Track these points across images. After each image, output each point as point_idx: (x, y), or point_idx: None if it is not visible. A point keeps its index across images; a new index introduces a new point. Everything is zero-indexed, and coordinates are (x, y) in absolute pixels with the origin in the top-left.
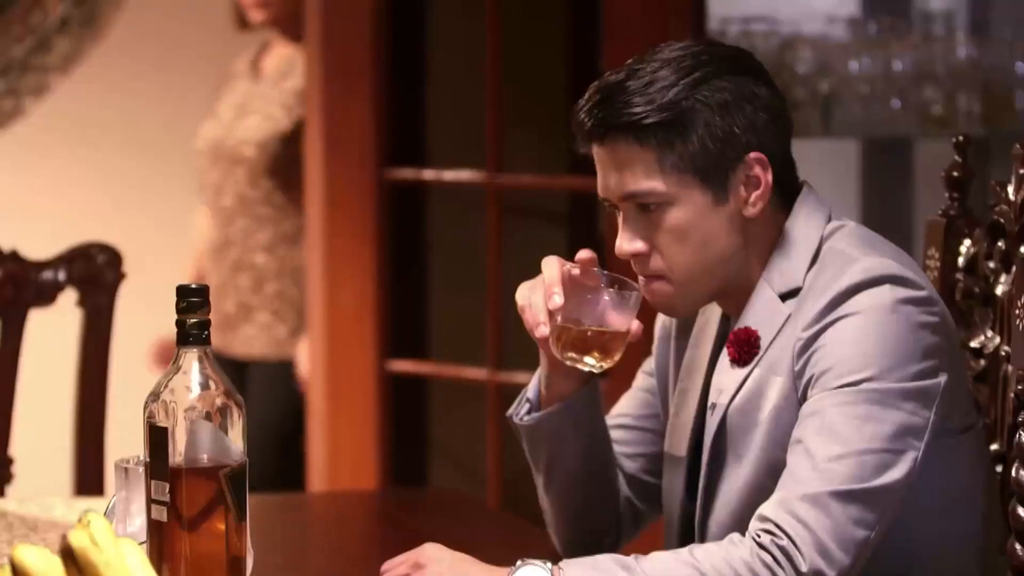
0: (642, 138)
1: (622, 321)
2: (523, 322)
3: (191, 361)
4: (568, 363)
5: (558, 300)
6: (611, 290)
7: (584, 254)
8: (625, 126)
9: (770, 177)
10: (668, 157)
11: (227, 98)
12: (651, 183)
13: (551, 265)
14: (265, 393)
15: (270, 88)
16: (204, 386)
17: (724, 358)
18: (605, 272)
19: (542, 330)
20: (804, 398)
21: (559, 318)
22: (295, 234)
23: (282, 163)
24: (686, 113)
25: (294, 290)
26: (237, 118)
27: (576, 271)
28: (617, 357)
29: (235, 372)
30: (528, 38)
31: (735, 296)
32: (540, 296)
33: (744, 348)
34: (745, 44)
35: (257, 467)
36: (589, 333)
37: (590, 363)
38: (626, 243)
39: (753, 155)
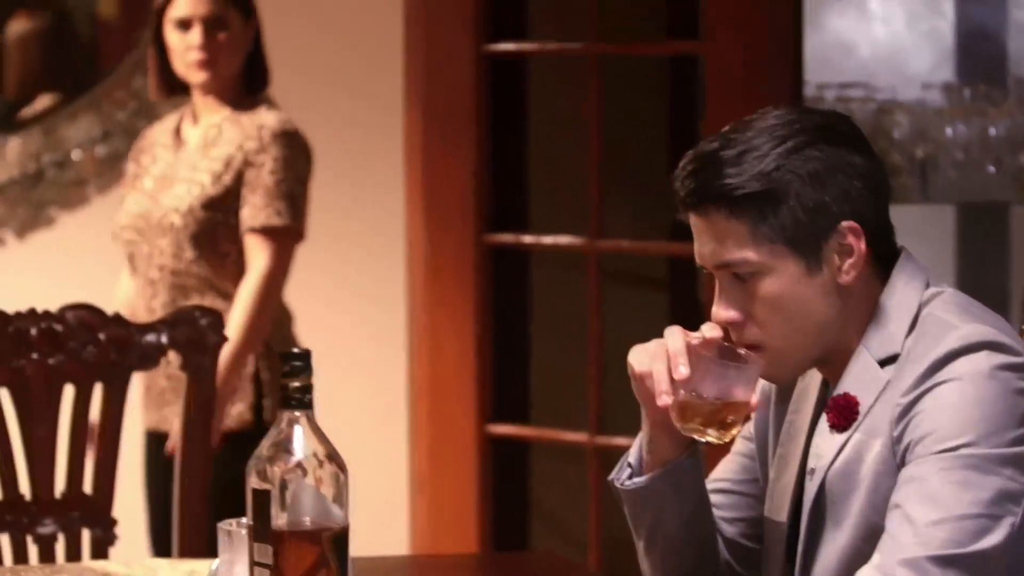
0: (735, 209)
1: (744, 394)
2: (637, 387)
3: (293, 424)
4: (688, 434)
5: (684, 371)
6: (734, 363)
7: (710, 332)
8: (718, 197)
9: (864, 245)
10: (760, 228)
11: (151, 170)
12: (744, 253)
13: (676, 336)
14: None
15: (197, 156)
16: (306, 449)
17: (823, 423)
18: (725, 342)
19: (665, 399)
20: (903, 463)
21: (682, 390)
22: (223, 304)
23: (209, 231)
24: (778, 184)
25: None
26: (163, 188)
27: (697, 341)
28: (737, 430)
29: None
30: (629, 103)
31: (834, 362)
32: (663, 365)
33: (843, 414)
34: (842, 110)
35: None
36: (713, 407)
37: (712, 436)
38: (722, 311)
39: (846, 224)
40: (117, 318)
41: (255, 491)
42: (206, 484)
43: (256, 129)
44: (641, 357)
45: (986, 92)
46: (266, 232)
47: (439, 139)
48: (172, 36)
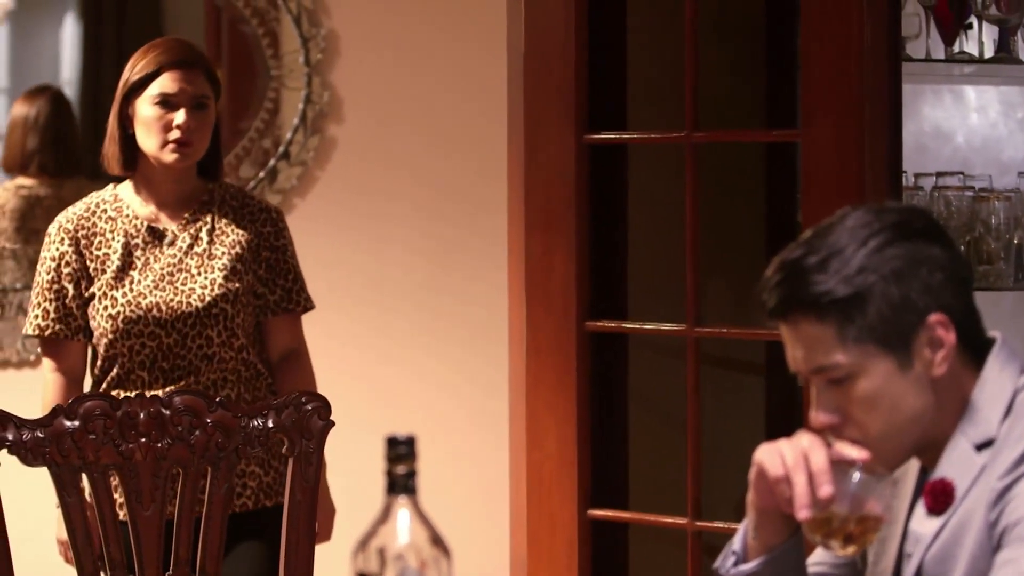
0: (822, 315)
1: (879, 506)
2: (760, 485)
3: (398, 510)
4: (823, 547)
5: (828, 491)
6: (868, 475)
7: (856, 453)
8: (806, 305)
9: (953, 336)
10: (849, 331)
11: (131, 262)
12: (835, 357)
13: (819, 451)
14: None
15: (211, 243)
16: (411, 534)
17: (920, 508)
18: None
19: (806, 513)
20: (999, 547)
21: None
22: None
23: (244, 315)
24: (862, 287)
25: None
26: (179, 280)
27: (833, 454)
28: (871, 540)
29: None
30: (726, 189)
31: (931, 449)
32: (804, 477)
33: (940, 498)
34: (938, 198)
35: None
36: (852, 525)
37: (850, 550)
38: (821, 416)
39: (934, 317)
40: (223, 403)
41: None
42: (311, 569)
43: (262, 212)
44: (775, 460)
45: None
46: (301, 313)
47: (541, 226)
48: (148, 111)
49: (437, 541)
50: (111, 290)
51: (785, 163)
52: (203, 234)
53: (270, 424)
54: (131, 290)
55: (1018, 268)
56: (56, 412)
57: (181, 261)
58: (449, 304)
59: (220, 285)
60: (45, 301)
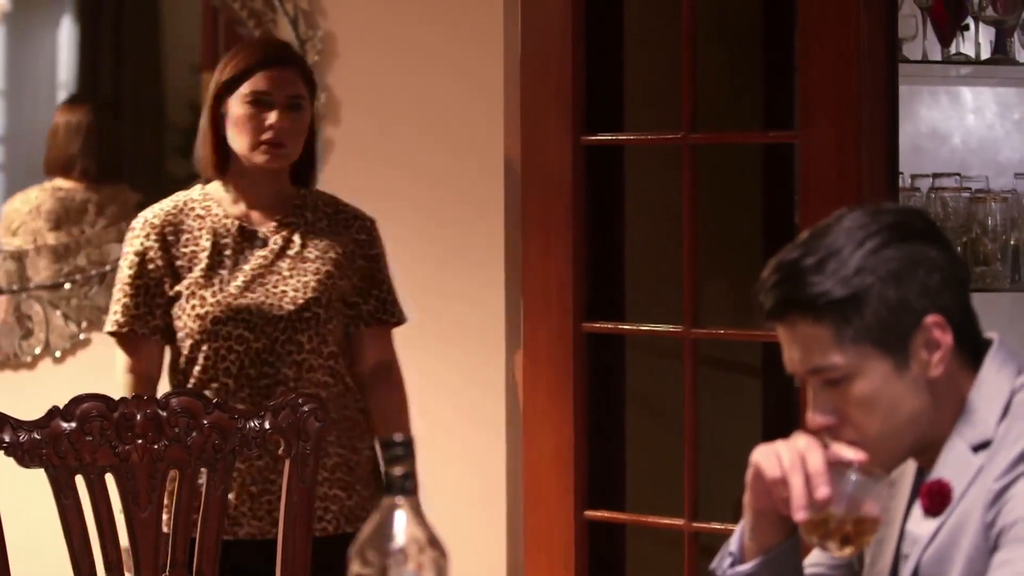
0: (819, 316)
1: (875, 507)
2: (757, 486)
3: (395, 511)
4: (820, 548)
5: (825, 492)
6: (864, 476)
7: (852, 455)
8: (801, 306)
9: (950, 338)
10: (846, 332)
11: (220, 261)
12: (831, 359)
13: (816, 452)
14: None
15: (305, 247)
16: (408, 535)
17: (917, 509)
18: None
19: (803, 515)
20: (995, 548)
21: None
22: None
23: (337, 322)
24: (859, 288)
25: None
26: (270, 282)
27: (830, 456)
28: (868, 541)
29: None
30: (724, 191)
31: (928, 451)
32: (801, 479)
33: (936, 499)
34: (935, 199)
35: None
36: (849, 526)
37: (846, 552)
38: (818, 418)
39: (930, 319)
40: (220, 404)
41: None
42: (307, 571)
43: (357, 220)
44: (772, 461)
45: None
46: (394, 326)
47: (538, 227)
48: (241, 110)
49: (434, 542)
50: (199, 289)
51: (782, 164)
52: (296, 237)
53: (267, 426)
54: (220, 290)
55: (1015, 269)
56: (53, 413)
57: (273, 264)
58: (446, 305)
59: (313, 288)
60: (125, 297)
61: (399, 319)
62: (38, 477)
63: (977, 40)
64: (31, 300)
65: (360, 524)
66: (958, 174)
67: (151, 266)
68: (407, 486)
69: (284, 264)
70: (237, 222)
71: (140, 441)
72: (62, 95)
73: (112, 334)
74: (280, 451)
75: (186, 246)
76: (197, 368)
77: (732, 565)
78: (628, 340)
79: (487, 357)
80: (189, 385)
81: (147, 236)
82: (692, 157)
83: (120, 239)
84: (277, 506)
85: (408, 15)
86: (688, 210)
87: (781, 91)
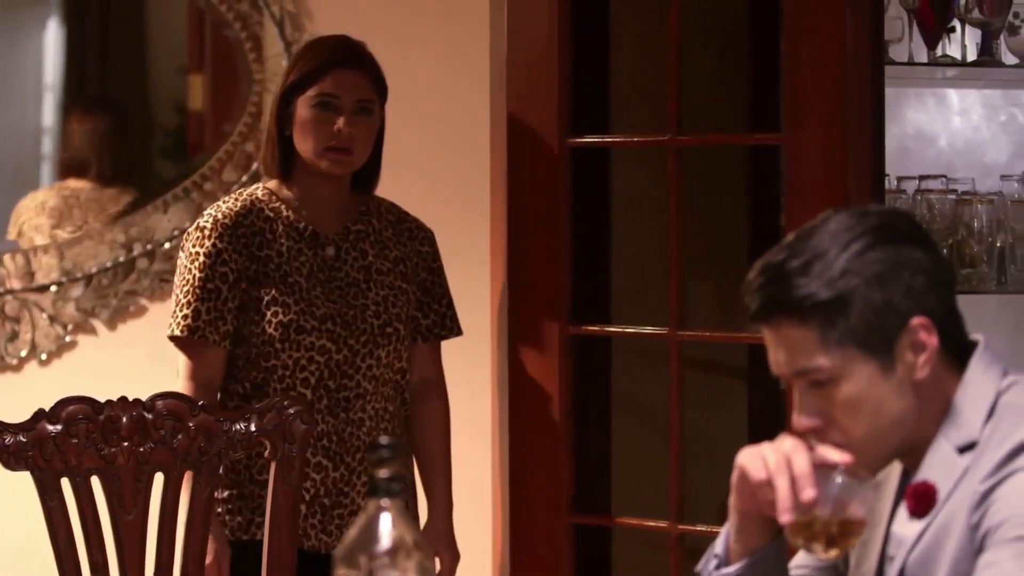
0: (804, 318)
1: (861, 509)
2: (742, 488)
3: (381, 513)
4: (805, 550)
5: (811, 494)
6: (850, 479)
7: (838, 457)
8: (788, 308)
9: (935, 340)
10: (831, 334)
11: (292, 267)
12: (817, 361)
13: (802, 455)
14: None
15: (377, 258)
16: (393, 538)
17: (903, 510)
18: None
19: (788, 517)
20: (981, 550)
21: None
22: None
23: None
24: (844, 290)
25: None
26: (348, 292)
27: (816, 458)
28: (853, 543)
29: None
30: (710, 193)
31: (913, 452)
32: (786, 481)
33: (922, 501)
34: (921, 201)
35: None
36: (835, 528)
37: (832, 553)
38: (803, 420)
39: (916, 321)
40: (205, 406)
41: None
42: (293, 573)
43: (420, 231)
44: (757, 463)
45: None
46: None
47: (525, 229)
48: (308, 113)
49: (420, 545)
50: (281, 295)
51: (768, 167)
52: (367, 246)
53: (252, 428)
54: (302, 298)
55: (1000, 271)
56: (39, 416)
57: (347, 274)
58: None
59: (393, 303)
60: (196, 300)
61: (457, 332)
62: (24, 480)
63: (963, 42)
64: (16, 302)
65: None
66: (944, 176)
67: (224, 269)
68: (392, 488)
69: (360, 275)
70: (309, 227)
71: (126, 444)
72: (48, 97)
73: (178, 339)
74: (266, 454)
75: (260, 249)
76: (273, 379)
77: (718, 567)
78: (614, 342)
79: (473, 358)
80: (270, 394)
81: (220, 237)
82: (678, 159)
83: (107, 242)
84: (348, 520)
85: (394, 18)
86: (674, 212)
87: (767, 93)
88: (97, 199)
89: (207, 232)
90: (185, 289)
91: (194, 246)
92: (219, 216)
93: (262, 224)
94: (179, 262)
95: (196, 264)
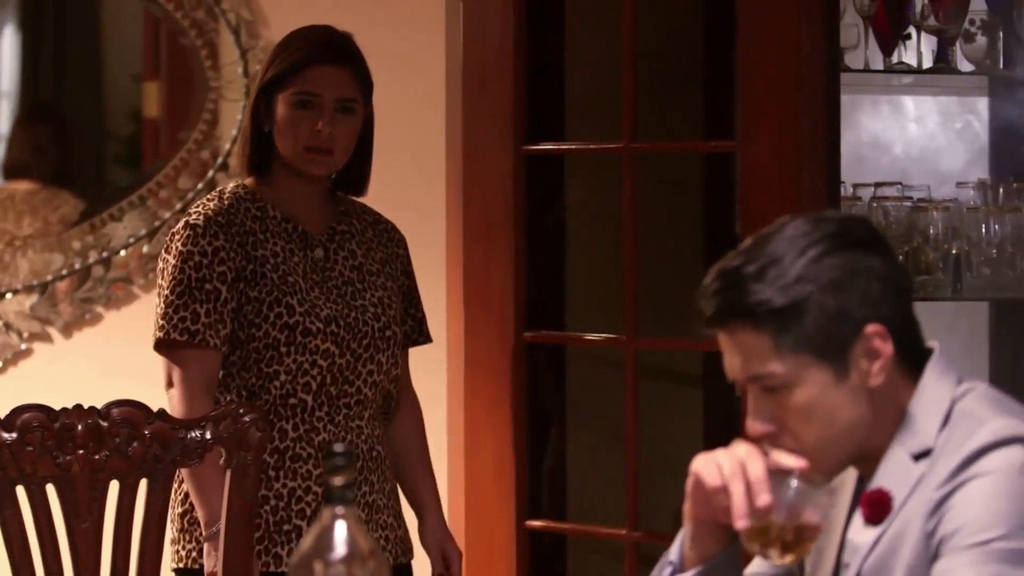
0: (758, 324)
1: (816, 514)
2: (697, 496)
3: (336, 520)
4: (761, 556)
5: (767, 500)
6: (805, 484)
7: (793, 462)
8: (741, 314)
9: (890, 347)
10: (785, 340)
11: (289, 267)
12: (770, 367)
13: (756, 460)
14: None
15: (365, 259)
16: (348, 545)
17: (858, 518)
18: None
19: (743, 523)
20: (936, 557)
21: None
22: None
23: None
24: (799, 296)
25: None
26: (347, 294)
27: (770, 463)
28: (810, 548)
29: None
30: (665, 200)
31: (868, 459)
32: (741, 487)
33: (877, 508)
34: (877, 208)
35: None
36: (790, 534)
37: (787, 559)
38: (757, 425)
39: (871, 328)
40: (161, 414)
41: None
42: None
43: (395, 232)
44: (712, 470)
45: (1019, 189)
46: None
47: (479, 236)
48: (287, 111)
49: (375, 553)
50: (284, 296)
51: (723, 174)
52: (354, 246)
53: (208, 436)
54: (305, 298)
55: (956, 278)
56: None
57: (341, 274)
58: None
59: (388, 304)
60: (195, 303)
61: (427, 339)
62: None
63: (919, 49)
64: None
65: (411, 556)
66: (900, 183)
67: (222, 268)
68: (347, 496)
69: (354, 275)
70: (299, 226)
71: (81, 452)
72: (3, 104)
73: (175, 343)
74: (221, 462)
75: (255, 248)
76: (274, 384)
77: (672, 574)
78: (569, 349)
79: (428, 366)
80: (269, 400)
81: (214, 236)
82: (633, 166)
83: (61, 249)
84: (381, 535)
85: (350, 25)
86: (629, 219)
87: (722, 100)
88: (40, 206)
89: (198, 230)
90: (179, 291)
91: (185, 245)
92: (209, 214)
93: (252, 223)
94: (167, 263)
95: (190, 264)
